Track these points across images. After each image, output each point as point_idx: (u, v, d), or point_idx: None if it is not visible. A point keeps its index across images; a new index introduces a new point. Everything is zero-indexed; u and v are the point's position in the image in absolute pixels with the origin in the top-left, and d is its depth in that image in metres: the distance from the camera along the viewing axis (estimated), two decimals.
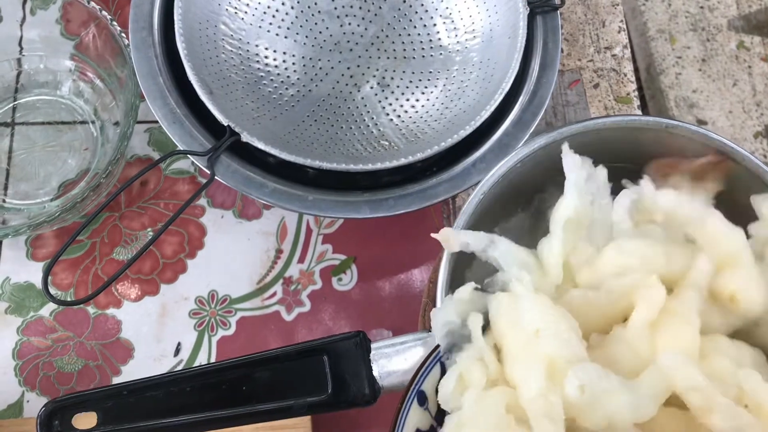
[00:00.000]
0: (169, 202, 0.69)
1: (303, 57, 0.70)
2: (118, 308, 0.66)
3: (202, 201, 0.69)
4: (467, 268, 0.45)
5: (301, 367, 0.41)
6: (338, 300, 0.67)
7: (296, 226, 0.69)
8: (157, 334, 0.65)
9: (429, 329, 0.42)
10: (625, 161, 0.47)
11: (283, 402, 0.41)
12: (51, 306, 0.65)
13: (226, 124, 0.60)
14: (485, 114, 0.62)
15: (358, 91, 0.70)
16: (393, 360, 0.42)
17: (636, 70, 0.94)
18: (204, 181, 0.70)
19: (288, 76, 0.69)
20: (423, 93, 0.70)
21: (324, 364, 0.41)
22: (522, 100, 0.65)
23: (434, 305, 0.42)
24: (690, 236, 0.42)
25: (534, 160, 0.47)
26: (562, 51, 0.75)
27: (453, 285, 0.42)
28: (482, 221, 0.45)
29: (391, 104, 0.69)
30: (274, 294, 0.67)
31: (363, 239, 0.69)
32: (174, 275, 0.67)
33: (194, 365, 0.64)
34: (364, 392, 0.41)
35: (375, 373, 0.42)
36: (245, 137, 0.60)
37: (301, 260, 0.68)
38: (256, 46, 0.69)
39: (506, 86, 0.63)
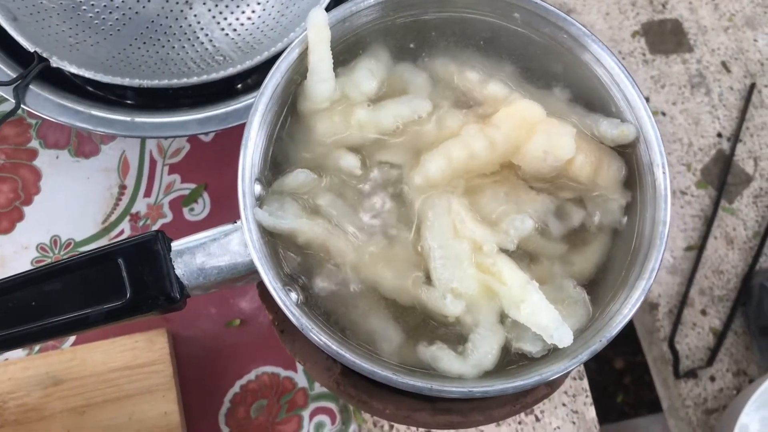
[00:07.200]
0: None
1: None
2: None
3: (34, 143, 0.64)
4: None
5: (95, 275, 0.38)
6: (191, 230, 0.62)
7: (138, 158, 0.64)
8: None
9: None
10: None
11: (78, 313, 0.37)
12: None
13: (32, 51, 0.55)
14: None
15: (191, 8, 0.66)
16: (197, 256, 0.39)
17: None
18: (33, 122, 0.65)
19: (111, 0, 0.64)
20: (258, 3, 0.66)
21: (121, 269, 0.38)
22: None
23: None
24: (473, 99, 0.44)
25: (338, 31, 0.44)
26: None
27: None
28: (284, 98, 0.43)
29: (226, 18, 0.65)
30: (122, 232, 0.63)
31: (212, 165, 0.65)
32: (10, 224, 0.62)
33: None
34: (168, 293, 0.38)
35: (180, 271, 0.39)
36: (55, 62, 0.55)
37: (147, 194, 0.64)
38: None
39: None
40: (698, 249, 1.08)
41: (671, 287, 1.08)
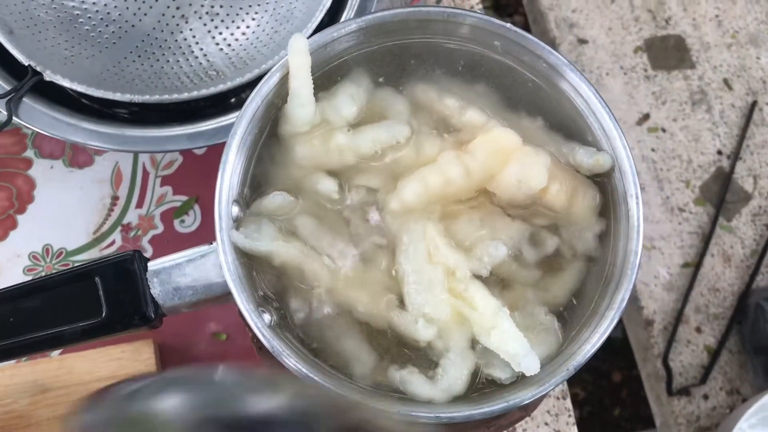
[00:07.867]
0: None
1: None
2: None
3: (29, 153, 0.65)
4: None
5: (72, 293, 0.39)
6: (182, 242, 0.64)
7: (131, 170, 0.65)
8: None
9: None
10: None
11: (54, 330, 0.38)
12: None
13: (26, 64, 0.56)
14: (306, 33, 0.59)
15: (186, 22, 0.66)
16: (173, 276, 0.40)
17: None
18: (29, 132, 0.66)
19: (108, 13, 0.65)
20: (253, 19, 0.67)
21: (97, 288, 0.39)
22: (347, 14, 0.62)
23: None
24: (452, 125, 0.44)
25: (319, 57, 0.44)
26: None
27: None
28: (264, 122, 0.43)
29: (221, 33, 0.66)
30: (113, 242, 0.64)
31: (204, 178, 0.66)
32: (4, 232, 0.63)
33: None
34: (143, 312, 0.39)
35: (155, 291, 0.40)
36: (48, 76, 0.56)
37: (139, 205, 0.65)
38: None
39: (327, 2, 0.60)
40: (695, 266, 1.08)
41: (667, 304, 1.08)
